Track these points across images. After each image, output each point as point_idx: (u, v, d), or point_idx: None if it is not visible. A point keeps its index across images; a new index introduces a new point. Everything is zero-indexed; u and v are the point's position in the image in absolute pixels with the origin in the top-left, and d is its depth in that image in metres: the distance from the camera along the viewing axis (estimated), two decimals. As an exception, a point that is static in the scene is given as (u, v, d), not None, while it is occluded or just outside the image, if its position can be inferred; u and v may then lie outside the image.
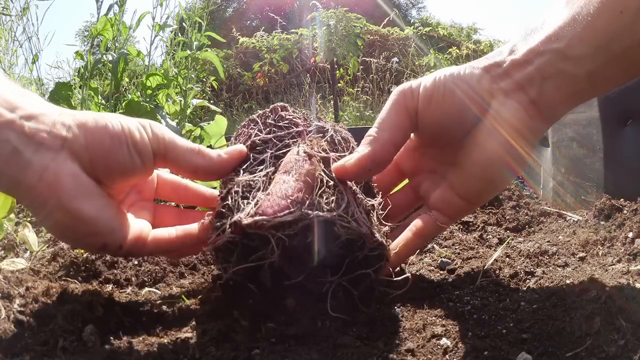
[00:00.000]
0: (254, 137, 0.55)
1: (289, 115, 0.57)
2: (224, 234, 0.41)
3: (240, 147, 0.53)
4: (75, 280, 0.53)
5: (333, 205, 0.42)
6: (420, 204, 0.59)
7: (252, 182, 0.46)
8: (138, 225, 0.49)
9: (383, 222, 0.51)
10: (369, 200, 0.51)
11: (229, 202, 0.44)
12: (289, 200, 0.41)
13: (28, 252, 0.65)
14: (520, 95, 0.47)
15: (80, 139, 0.43)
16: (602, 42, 0.42)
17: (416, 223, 0.54)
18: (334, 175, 0.47)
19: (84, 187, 0.43)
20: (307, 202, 0.41)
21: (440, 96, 0.49)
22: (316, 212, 0.40)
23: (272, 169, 0.48)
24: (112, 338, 0.41)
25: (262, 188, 0.45)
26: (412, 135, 0.56)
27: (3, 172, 0.39)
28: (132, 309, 0.47)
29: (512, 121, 0.47)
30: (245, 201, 0.43)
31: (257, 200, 0.42)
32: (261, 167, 0.50)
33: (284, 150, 0.51)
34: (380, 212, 0.52)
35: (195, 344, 0.40)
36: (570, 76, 0.45)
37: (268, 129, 0.56)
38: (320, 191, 0.43)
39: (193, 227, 0.51)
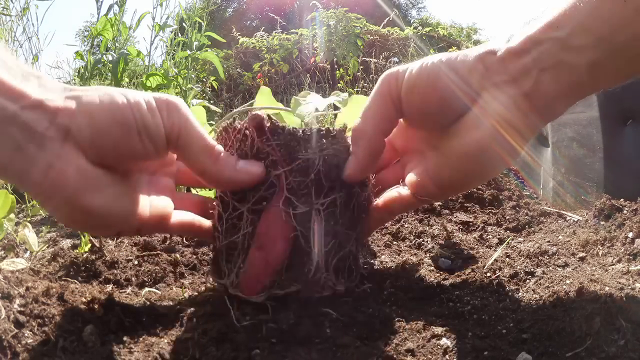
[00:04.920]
0: None
1: (264, 146, 0.47)
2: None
3: (260, 170, 0.47)
4: (75, 280, 0.53)
5: (303, 275, 0.47)
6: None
7: (233, 245, 0.48)
8: (161, 204, 0.50)
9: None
10: (349, 237, 0.50)
11: (217, 259, 0.50)
12: (260, 285, 0.47)
13: (28, 252, 0.65)
14: (512, 89, 0.44)
15: (84, 130, 0.40)
16: (605, 32, 0.40)
17: (386, 195, 0.56)
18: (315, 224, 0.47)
19: (91, 181, 0.41)
20: (277, 280, 0.47)
21: (423, 84, 0.47)
22: (285, 290, 0.47)
23: (250, 229, 0.47)
24: (112, 338, 0.41)
25: (241, 252, 0.48)
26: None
27: (8, 168, 0.39)
28: (132, 309, 0.47)
29: (501, 115, 0.44)
30: (229, 265, 0.48)
31: (238, 268, 0.47)
32: (240, 222, 0.48)
33: (260, 206, 0.47)
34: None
35: (195, 344, 0.40)
36: (569, 67, 0.42)
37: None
38: (291, 261, 0.47)
39: (207, 222, 0.53)
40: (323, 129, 0.49)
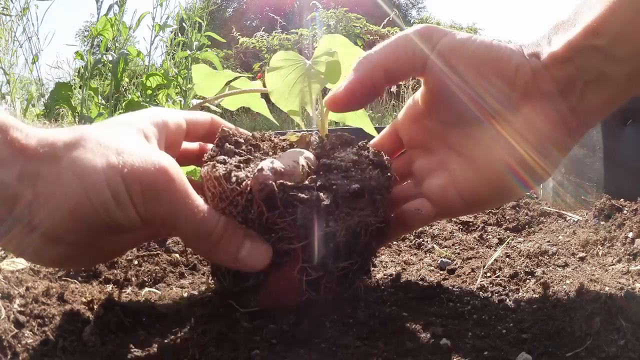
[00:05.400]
0: None
1: (277, 221, 0.39)
2: None
3: (267, 259, 0.40)
4: (75, 280, 0.53)
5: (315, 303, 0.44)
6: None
7: (243, 289, 0.45)
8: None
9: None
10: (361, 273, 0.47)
11: (227, 296, 0.46)
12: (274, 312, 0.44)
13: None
14: (560, 103, 0.41)
15: (45, 224, 0.35)
16: None
17: (403, 210, 0.51)
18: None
19: (68, 260, 0.40)
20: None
21: (468, 54, 0.43)
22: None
23: (262, 277, 0.43)
24: (112, 338, 0.41)
25: (252, 292, 0.44)
26: (418, 101, 0.50)
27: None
28: (132, 309, 0.47)
29: (548, 133, 0.41)
30: (242, 302, 0.45)
31: (253, 301, 0.44)
32: (248, 274, 0.44)
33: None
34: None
35: (195, 344, 0.40)
36: (610, 79, 0.40)
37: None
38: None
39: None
40: (350, 188, 0.40)
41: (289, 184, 0.39)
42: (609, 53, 0.39)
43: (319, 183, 0.41)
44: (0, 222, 0.34)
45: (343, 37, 0.54)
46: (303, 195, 0.39)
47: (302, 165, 0.42)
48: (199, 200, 0.38)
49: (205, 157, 0.45)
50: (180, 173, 0.38)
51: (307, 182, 0.41)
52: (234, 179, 0.40)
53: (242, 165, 0.43)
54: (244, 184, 0.39)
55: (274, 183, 0.38)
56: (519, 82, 0.42)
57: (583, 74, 0.41)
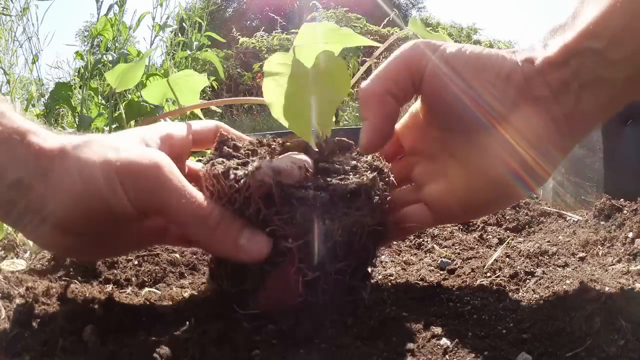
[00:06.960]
0: None
1: (274, 219, 0.40)
2: None
3: (266, 249, 0.41)
4: (75, 280, 0.53)
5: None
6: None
7: (242, 290, 0.45)
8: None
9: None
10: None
11: (228, 299, 0.46)
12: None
13: (28, 252, 0.65)
14: (554, 108, 0.41)
15: (57, 214, 0.39)
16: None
17: (402, 214, 0.52)
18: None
19: (76, 248, 0.44)
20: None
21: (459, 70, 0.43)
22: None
23: (260, 277, 0.43)
24: (112, 338, 0.41)
25: (252, 294, 0.45)
26: (417, 109, 0.51)
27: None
28: (132, 309, 0.47)
29: (540, 140, 0.42)
30: (241, 303, 0.45)
31: (251, 303, 0.45)
32: (246, 270, 0.44)
33: (267, 266, 0.44)
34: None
35: (195, 344, 0.40)
36: (607, 83, 0.40)
37: None
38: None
39: None
40: (348, 188, 0.42)
41: (287, 182, 0.40)
42: (606, 56, 0.39)
43: (316, 183, 0.42)
44: (17, 212, 0.39)
45: (326, 23, 0.50)
46: (300, 194, 0.40)
47: (300, 167, 0.43)
48: (193, 191, 0.40)
49: (204, 160, 0.47)
50: (173, 167, 0.40)
51: (304, 182, 0.42)
52: (232, 176, 0.41)
53: (240, 167, 0.44)
54: (242, 181, 0.40)
55: (272, 180, 0.39)
56: (510, 89, 0.42)
57: (579, 77, 0.40)
